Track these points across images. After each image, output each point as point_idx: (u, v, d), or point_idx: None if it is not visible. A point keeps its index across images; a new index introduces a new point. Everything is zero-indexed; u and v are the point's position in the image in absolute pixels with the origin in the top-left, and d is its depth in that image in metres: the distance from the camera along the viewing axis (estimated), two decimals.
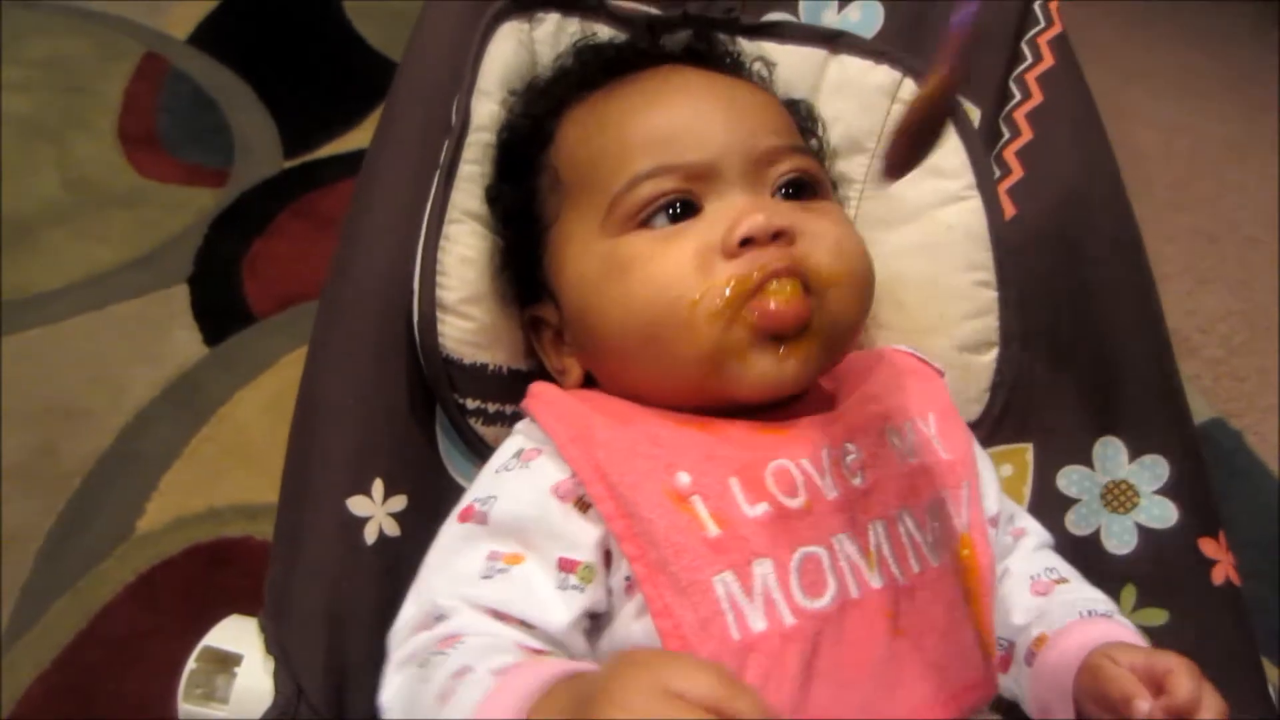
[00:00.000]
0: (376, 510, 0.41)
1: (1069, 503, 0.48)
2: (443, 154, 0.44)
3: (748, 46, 0.50)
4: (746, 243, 0.36)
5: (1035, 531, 0.45)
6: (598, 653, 0.35)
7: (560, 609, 0.33)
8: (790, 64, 0.51)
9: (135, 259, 0.88)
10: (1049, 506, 0.48)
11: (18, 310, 0.82)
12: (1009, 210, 0.51)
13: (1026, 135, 0.53)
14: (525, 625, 0.33)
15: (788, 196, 0.40)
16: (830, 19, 0.54)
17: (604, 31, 0.50)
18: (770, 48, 0.51)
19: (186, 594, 0.67)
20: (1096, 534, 0.47)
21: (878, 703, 0.33)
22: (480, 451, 0.43)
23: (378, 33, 1.16)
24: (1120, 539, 0.46)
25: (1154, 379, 0.48)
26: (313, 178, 0.98)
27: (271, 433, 0.74)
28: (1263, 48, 1.48)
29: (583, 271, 0.39)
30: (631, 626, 0.34)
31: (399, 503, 0.42)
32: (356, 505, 0.41)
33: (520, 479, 0.36)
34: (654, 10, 0.51)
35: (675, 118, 0.39)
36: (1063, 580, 0.42)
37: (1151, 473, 0.47)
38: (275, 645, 0.38)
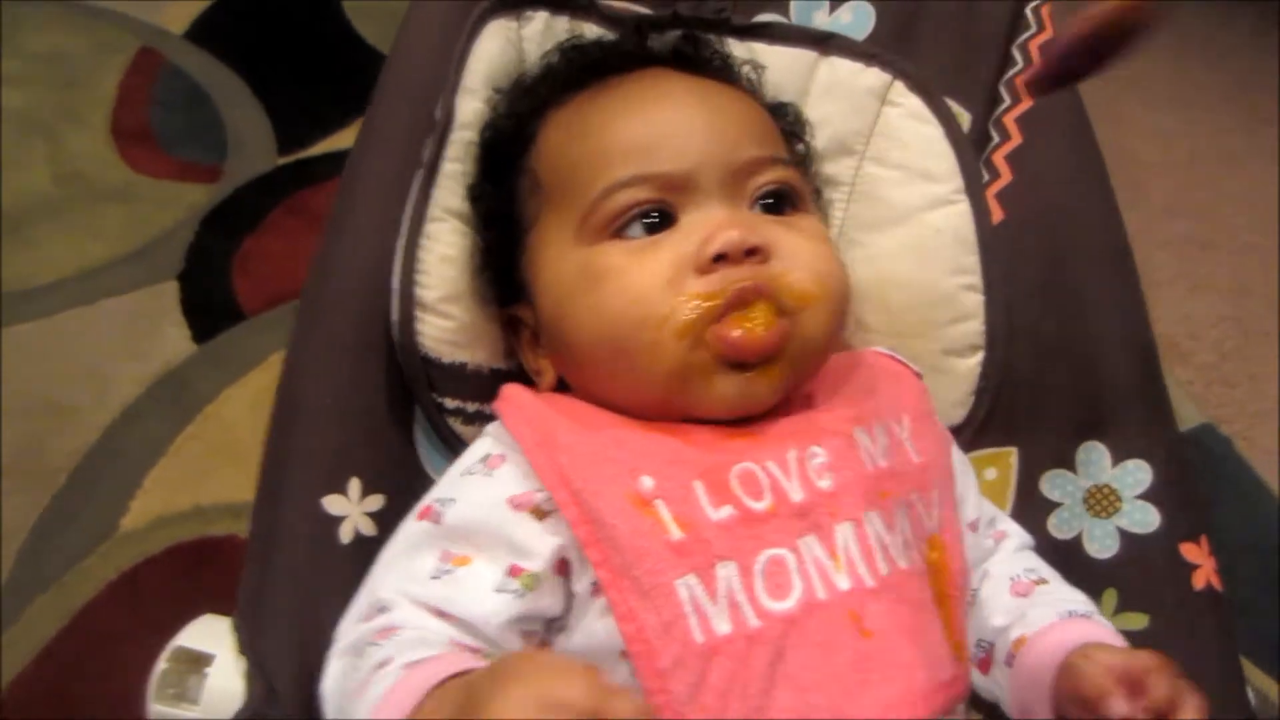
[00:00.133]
0: (352, 509, 0.41)
1: (1051, 507, 0.48)
2: (425, 151, 0.44)
3: (737, 48, 0.50)
4: (720, 258, 0.36)
5: (1016, 534, 0.45)
6: (562, 653, 0.35)
7: (495, 609, 0.33)
8: (780, 65, 0.51)
9: (126, 254, 0.88)
10: (1032, 510, 0.48)
11: (7, 305, 0.81)
12: (997, 214, 0.51)
13: (1016, 139, 0.53)
14: (463, 623, 0.33)
15: (767, 209, 0.39)
16: (821, 20, 0.54)
17: (594, 31, 0.49)
18: (760, 49, 0.51)
19: (169, 593, 0.67)
20: (1078, 538, 0.47)
21: (844, 704, 0.33)
22: (459, 451, 0.43)
23: (376, 31, 1.16)
24: (1102, 543, 0.46)
25: (1138, 385, 0.48)
26: (306, 175, 0.98)
27: (259, 431, 0.72)
28: (1261, 57, 1.49)
29: (557, 278, 0.39)
30: (595, 625, 0.34)
31: (376, 502, 0.42)
32: (332, 504, 0.41)
33: (480, 488, 0.37)
34: (644, 10, 0.51)
35: (654, 126, 0.39)
36: (1042, 581, 0.42)
37: (1134, 477, 0.46)
38: (247, 645, 0.37)
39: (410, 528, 0.37)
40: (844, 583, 0.35)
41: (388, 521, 0.40)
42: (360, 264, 0.44)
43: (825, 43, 0.52)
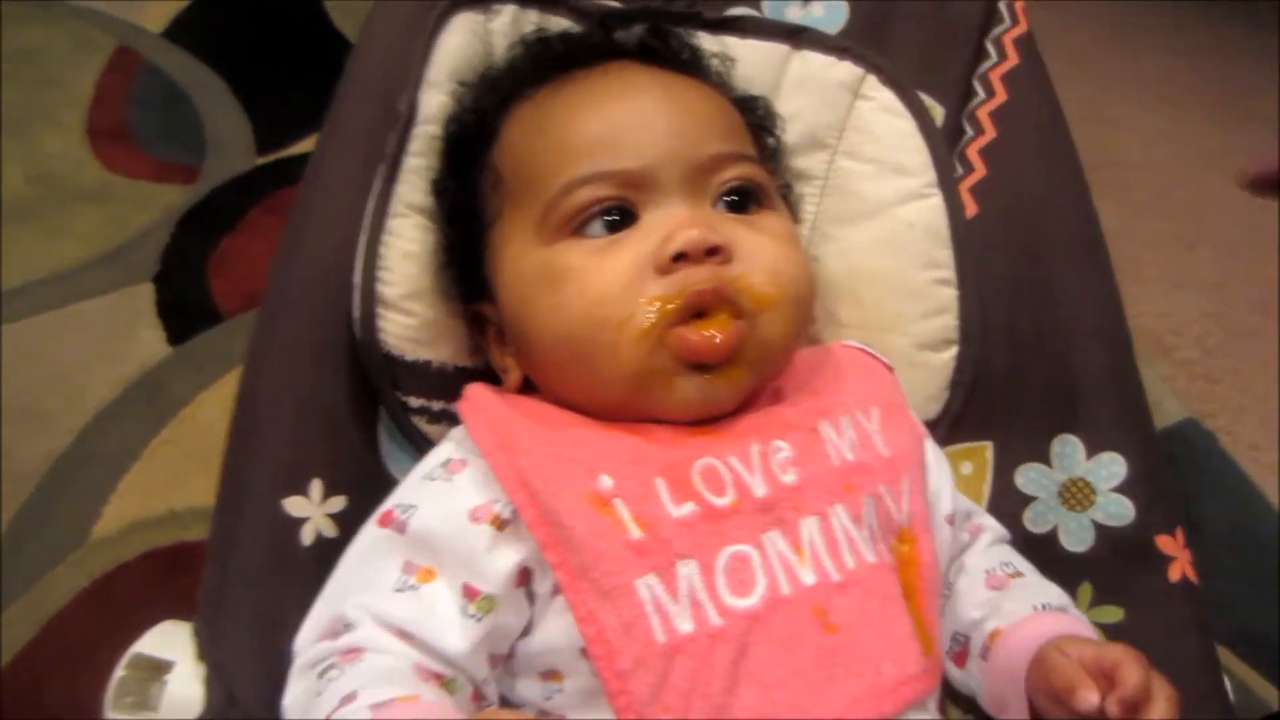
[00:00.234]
0: (314, 511, 0.40)
1: (1027, 500, 0.48)
2: (388, 145, 0.43)
3: (709, 42, 0.50)
4: (680, 257, 0.35)
5: (992, 528, 0.45)
6: (524, 655, 0.35)
7: (459, 636, 0.33)
8: (751, 59, 0.50)
9: (100, 256, 0.86)
10: (1008, 504, 0.47)
11: None
12: (971, 208, 0.51)
13: (990, 133, 0.53)
14: (428, 647, 0.33)
15: (731, 206, 0.39)
16: (794, 14, 0.54)
17: (563, 25, 0.49)
18: (732, 43, 0.51)
19: (143, 599, 0.65)
20: (1054, 532, 0.47)
21: (809, 700, 0.32)
22: (425, 450, 0.42)
23: (358, 30, 1.15)
24: (1077, 537, 0.46)
25: (1112, 378, 0.48)
26: (285, 174, 0.97)
27: None
28: (1244, 57, 1.50)
29: (518, 277, 0.39)
30: (555, 625, 0.34)
31: (338, 503, 0.41)
32: (293, 506, 0.40)
33: (440, 495, 0.36)
34: (615, 3, 0.51)
35: (615, 121, 0.38)
36: (1018, 575, 0.42)
37: (1108, 470, 0.46)
38: (207, 650, 0.37)
39: (371, 533, 0.36)
40: (809, 577, 0.34)
41: (350, 523, 0.40)
42: (322, 260, 0.43)
43: (797, 36, 0.52)
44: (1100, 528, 0.46)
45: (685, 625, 0.32)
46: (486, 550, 0.34)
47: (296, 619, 0.37)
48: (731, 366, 0.36)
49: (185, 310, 0.83)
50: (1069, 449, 0.47)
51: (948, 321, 0.48)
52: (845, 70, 0.51)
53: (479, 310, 0.43)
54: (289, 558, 0.39)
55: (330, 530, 0.41)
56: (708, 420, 0.37)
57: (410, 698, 0.30)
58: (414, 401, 0.43)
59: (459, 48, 0.46)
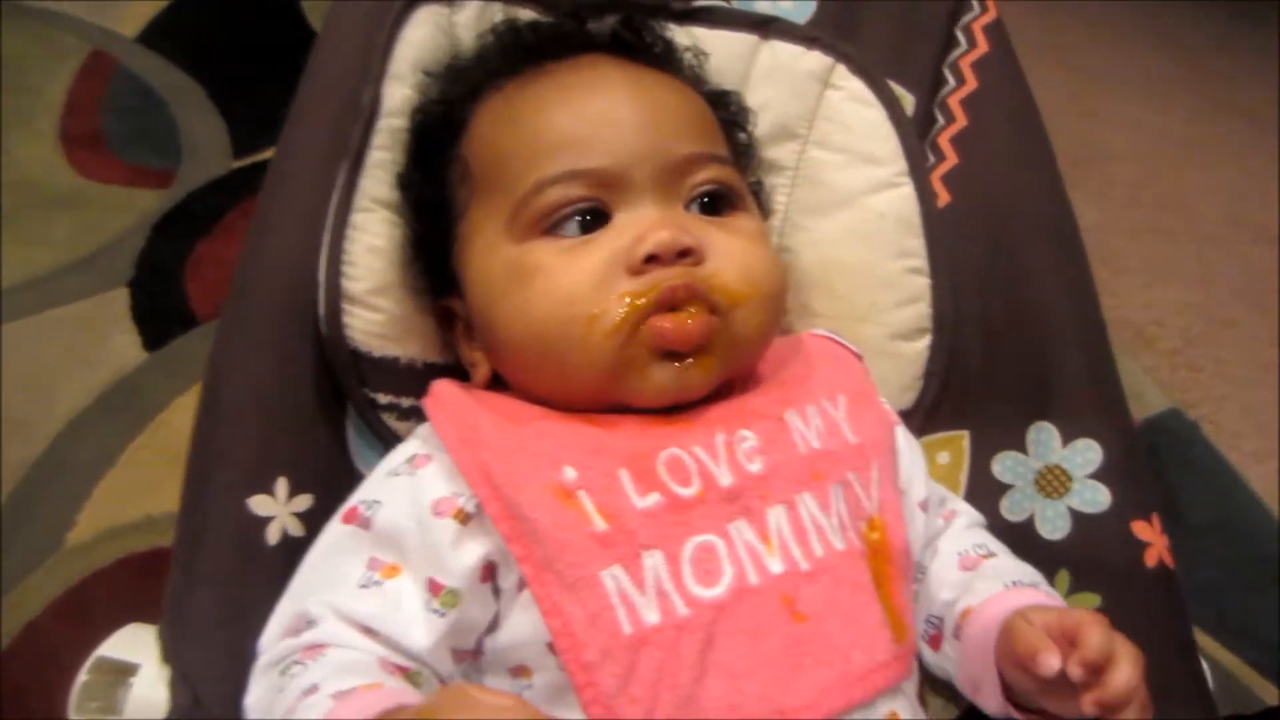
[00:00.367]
0: (279, 510, 0.40)
1: (1003, 489, 0.47)
2: (351, 139, 0.43)
3: (677, 34, 0.49)
4: (652, 259, 0.35)
5: (966, 512, 0.45)
6: (491, 651, 0.35)
7: (423, 632, 0.33)
8: (721, 49, 0.50)
9: (75, 261, 0.86)
10: (985, 493, 0.47)
11: None
12: (943, 197, 0.51)
13: (961, 121, 0.52)
14: (391, 642, 0.33)
15: (703, 209, 0.39)
16: (763, 5, 0.53)
17: (530, 16, 0.48)
18: (700, 33, 0.50)
19: (119, 605, 0.65)
20: (1030, 520, 0.46)
21: (777, 690, 0.32)
22: (394, 447, 0.42)
23: None
24: (1054, 524, 0.46)
25: (1086, 364, 0.47)
26: (262, 178, 0.96)
27: None
28: (1225, 50, 1.51)
29: (486, 274, 0.38)
30: (521, 618, 0.33)
31: (304, 502, 0.41)
32: (258, 505, 0.40)
33: (405, 490, 0.36)
34: None
35: (587, 118, 0.38)
36: (990, 555, 0.41)
37: (1084, 457, 0.46)
38: (171, 652, 0.36)
39: (336, 530, 0.36)
40: (777, 566, 0.34)
41: (316, 521, 0.39)
42: (287, 256, 0.43)
43: (766, 26, 0.51)
44: (1076, 515, 0.46)
45: (652, 616, 0.32)
46: (451, 545, 0.34)
47: (262, 619, 0.36)
48: (704, 355, 0.36)
49: (161, 315, 0.82)
50: (1045, 436, 0.47)
51: (921, 310, 0.48)
52: (814, 60, 0.51)
53: (447, 305, 0.42)
54: (254, 557, 0.39)
55: (296, 529, 0.40)
56: (674, 410, 0.37)
57: (374, 685, 0.30)
58: (382, 398, 0.42)
59: (422, 40, 0.45)
